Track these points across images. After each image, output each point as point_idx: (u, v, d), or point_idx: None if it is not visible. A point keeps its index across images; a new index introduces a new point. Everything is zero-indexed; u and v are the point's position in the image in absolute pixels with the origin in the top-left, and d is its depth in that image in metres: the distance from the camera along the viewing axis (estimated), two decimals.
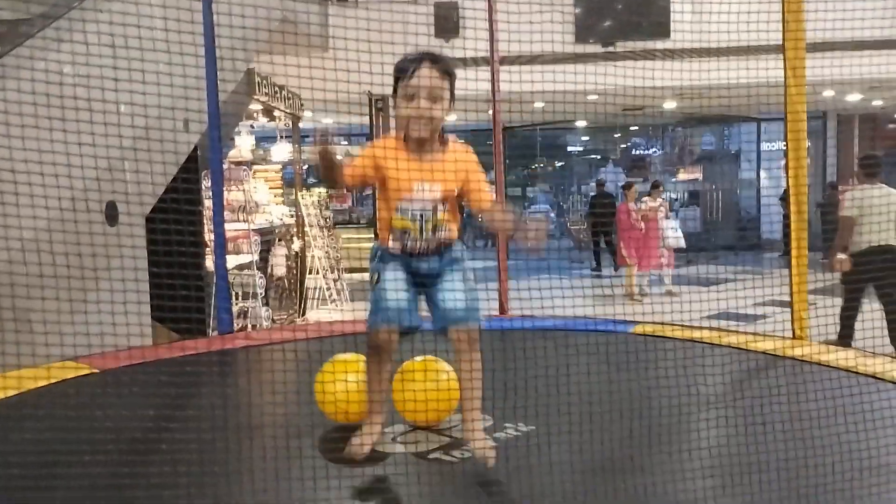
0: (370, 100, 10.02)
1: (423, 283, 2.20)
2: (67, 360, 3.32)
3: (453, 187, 2.15)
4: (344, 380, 2.32)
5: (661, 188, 9.95)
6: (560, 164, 21.46)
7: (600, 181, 14.57)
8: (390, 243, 2.16)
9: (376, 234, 2.29)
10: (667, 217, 9.48)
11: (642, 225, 9.18)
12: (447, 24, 9.41)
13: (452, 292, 2.14)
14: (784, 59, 3.68)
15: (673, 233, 9.36)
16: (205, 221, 5.92)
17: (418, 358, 2.47)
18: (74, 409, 2.81)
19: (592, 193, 15.07)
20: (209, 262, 5.65)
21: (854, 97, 12.17)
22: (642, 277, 9.42)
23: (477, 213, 2.21)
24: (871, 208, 5.15)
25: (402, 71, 2.09)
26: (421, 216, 2.12)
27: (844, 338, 5.21)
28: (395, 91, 2.14)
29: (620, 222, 9.52)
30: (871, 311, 4.95)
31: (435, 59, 2.09)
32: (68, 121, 3.45)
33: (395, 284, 2.13)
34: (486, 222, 2.26)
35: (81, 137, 3.51)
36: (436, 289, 2.18)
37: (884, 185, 5.51)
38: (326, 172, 2.07)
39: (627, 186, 9.84)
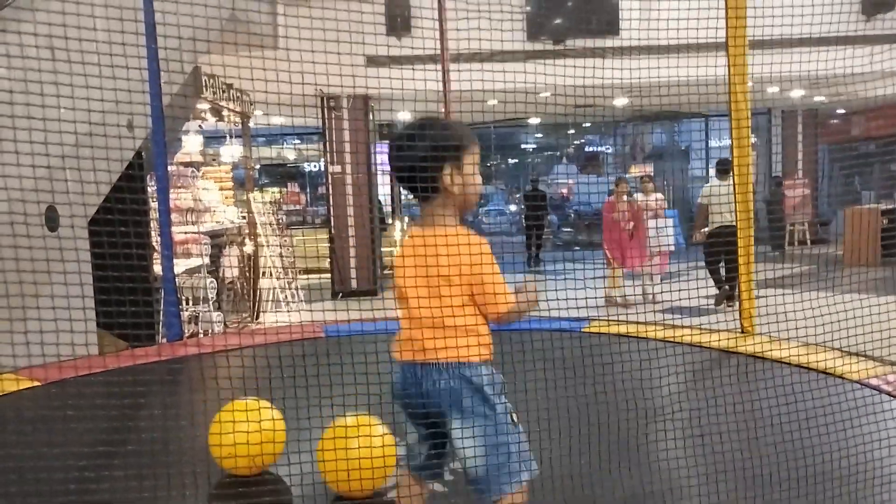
0: (322, 99, 9.90)
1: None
2: (6, 372, 3.19)
3: None
4: (240, 430, 2.14)
5: (646, 181, 9.12)
6: (514, 161, 21.59)
7: (533, 179, 14.88)
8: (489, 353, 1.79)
9: (469, 359, 1.75)
10: (657, 215, 8.59)
11: (631, 224, 8.50)
12: (398, 21, 9.35)
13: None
14: (727, 57, 3.75)
15: (654, 233, 8.48)
16: (152, 225, 5.77)
17: (348, 417, 2.20)
18: (14, 424, 2.70)
19: (528, 188, 15.25)
20: (157, 267, 5.51)
21: (797, 93, 12.50)
22: (634, 278, 8.69)
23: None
24: (718, 198, 7.33)
25: (470, 139, 1.84)
26: None
27: (720, 289, 7.65)
28: (454, 159, 1.80)
29: (603, 221, 8.88)
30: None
31: None
32: (3, 126, 3.31)
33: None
34: None
35: (18, 139, 3.37)
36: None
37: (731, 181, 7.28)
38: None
39: (618, 182, 9.03)
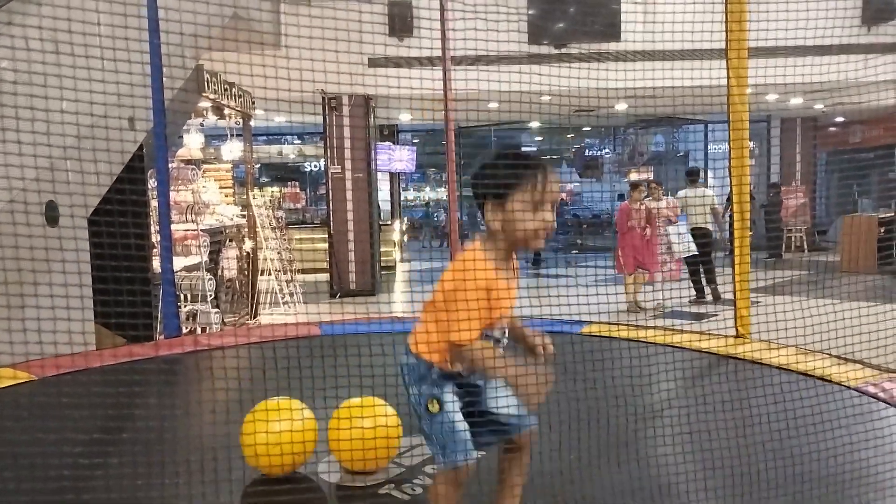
0: (323, 99, 9.92)
1: (467, 397, 1.92)
2: (4, 367, 3.21)
3: None
4: (272, 430, 2.15)
5: (654, 187, 8.90)
6: None
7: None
8: (451, 366, 1.84)
9: (409, 348, 1.89)
10: (670, 221, 8.51)
11: (648, 230, 8.31)
12: (400, 23, 9.37)
13: (507, 398, 1.89)
14: (727, 64, 3.77)
15: (676, 239, 8.41)
16: (152, 222, 5.79)
17: (355, 399, 2.29)
18: (11, 419, 2.71)
19: None
20: (156, 264, 5.52)
21: (796, 101, 12.53)
22: (646, 286, 8.47)
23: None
24: (691, 207, 8.71)
25: (526, 176, 1.78)
26: (500, 339, 1.89)
27: (698, 292, 8.74)
28: (496, 198, 1.80)
29: (618, 225, 8.63)
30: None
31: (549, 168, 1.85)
32: (7, 118, 3.32)
33: (458, 409, 1.85)
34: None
35: (20, 135, 3.39)
36: (485, 399, 1.91)
37: (701, 188, 8.96)
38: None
39: (634, 186, 8.79)
